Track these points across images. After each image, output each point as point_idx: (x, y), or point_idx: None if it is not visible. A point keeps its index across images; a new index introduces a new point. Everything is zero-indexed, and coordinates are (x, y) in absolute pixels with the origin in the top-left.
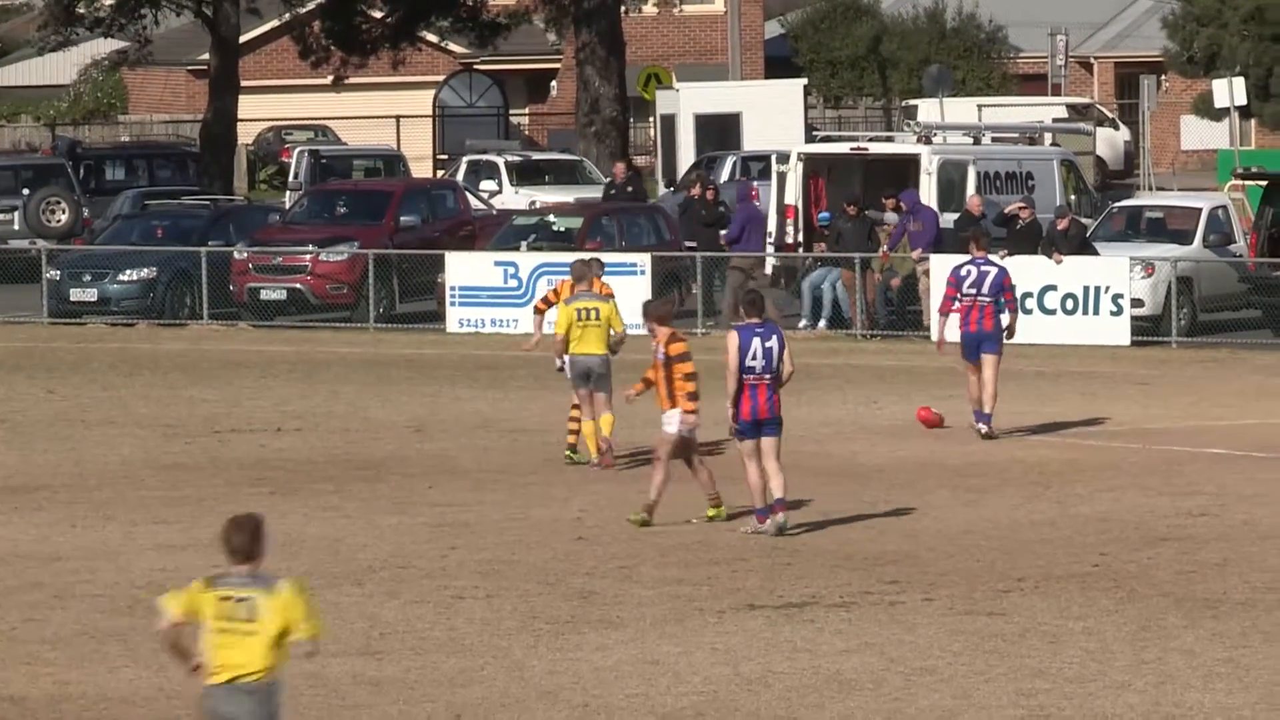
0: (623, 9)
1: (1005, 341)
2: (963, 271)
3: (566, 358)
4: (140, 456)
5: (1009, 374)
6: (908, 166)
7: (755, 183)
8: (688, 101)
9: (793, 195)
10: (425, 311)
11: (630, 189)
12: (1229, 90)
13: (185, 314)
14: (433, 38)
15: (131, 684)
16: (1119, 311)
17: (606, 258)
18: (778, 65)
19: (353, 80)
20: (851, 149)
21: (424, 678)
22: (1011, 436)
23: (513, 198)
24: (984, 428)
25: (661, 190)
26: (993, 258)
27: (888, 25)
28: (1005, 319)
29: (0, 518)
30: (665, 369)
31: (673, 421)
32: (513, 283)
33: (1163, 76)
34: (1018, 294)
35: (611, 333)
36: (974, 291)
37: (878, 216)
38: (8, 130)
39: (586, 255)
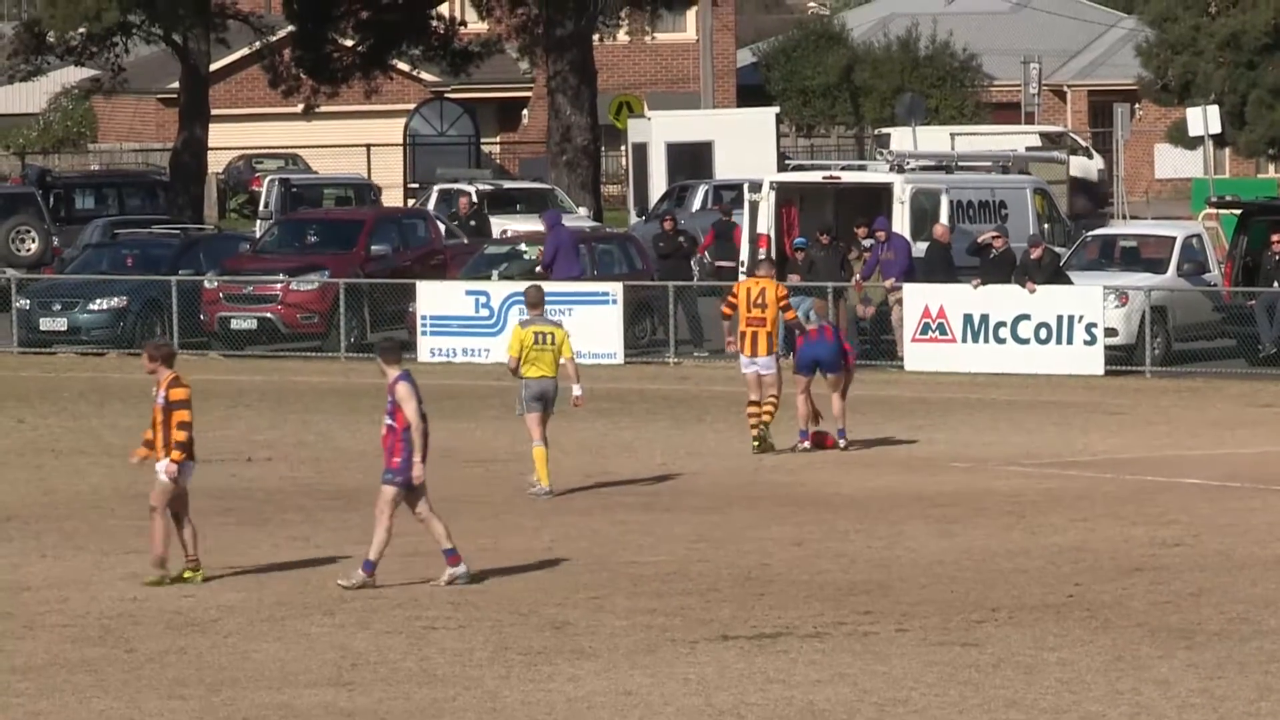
0: (595, 37)
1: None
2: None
3: (521, 382)
4: (110, 486)
5: (984, 403)
6: (880, 195)
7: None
8: (660, 130)
9: (765, 224)
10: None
11: (473, 223)
12: (1203, 118)
13: None
14: (404, 66)
15: (102, 714)
16: (1093, 341)
17: (578, 286)
18: (750, 93)
19: (323, 108)
20: (824, 178)
21: (396, 709)
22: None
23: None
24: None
25: (633, 219)
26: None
27: (860, 54)
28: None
29: None
30: (164, 414)
31: (169, 471)
32: (484, 312)
33: (1136, 104)
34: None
35: (562, 360)
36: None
37: (860, 245)
38: None
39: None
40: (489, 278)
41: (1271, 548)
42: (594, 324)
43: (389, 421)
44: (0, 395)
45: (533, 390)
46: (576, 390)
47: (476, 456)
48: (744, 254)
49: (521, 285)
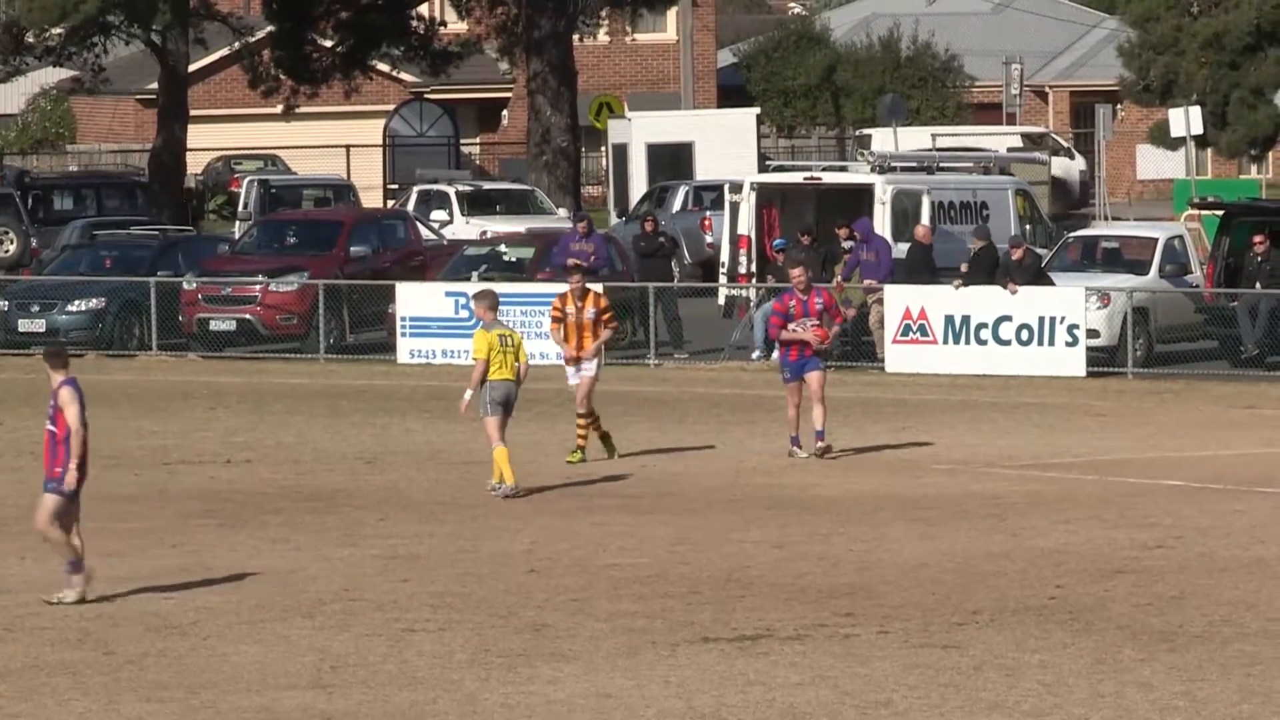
0: (575, 38)
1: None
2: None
3: (485, 385)
4: (89, 488)
5: (965, 405)
6: (861, 196)
7: (708, 213)
8: (640, 131)
9: (745, 225)
10: (376, 342)
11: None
12: (1185, 119)
13: (134, 345)
14: (384, 67)
15: (81, 717)
16: (1074, 342)
17: (560, 287)
18: (730, 94)
19: (303, 109)
20: (805, 178)
21: (375, 711)
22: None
23: (464, 228)
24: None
25: (613, 220)
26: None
27: (841, 54)
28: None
29: None
30: None
31: None
32: (464, 313)
33: (1118, 105)
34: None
35: (518, 364)
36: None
37: (841, 247)
38: None
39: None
40: (469, 279)
41: (1253, 550)
42: None
43: (50, 428)
44: None
45: (497, 393)
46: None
47: (457, 459)
48: (724, 255)
49: (510, 287)
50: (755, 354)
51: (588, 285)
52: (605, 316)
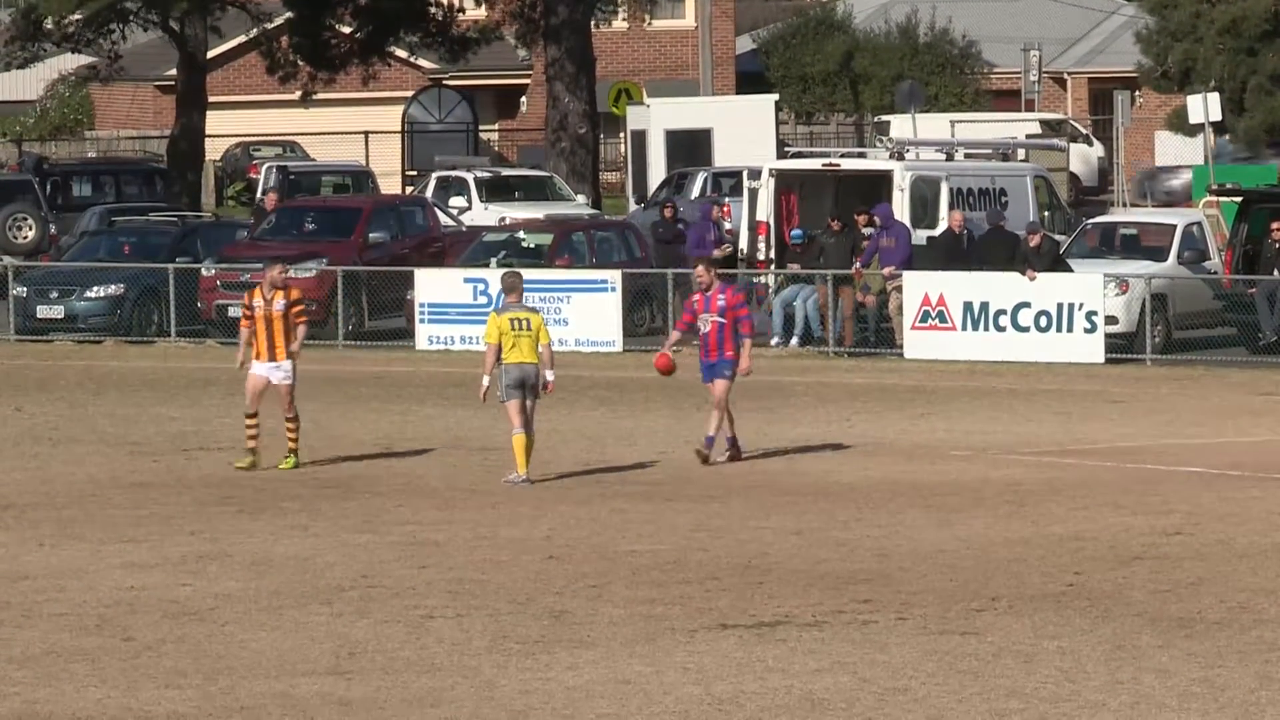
0: (593, 24)
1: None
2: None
3: (500, 368)
4: (107, 475)
5: (983, 391)
6: (880, 183)
7: (727, 199)
8: (658, 117)
9: (764, 211)
10: (394, 329)
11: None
12: (1204, 105)
13: (153, 331)
14: (402, 53)
15: (99, 703)
16: (1093, 329)
17: (578, 274)
18: (749, 80)
19: (321, 95)
20: (823, 165)
21: (394, 697)
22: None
23: (482, 214)
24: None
25: (632, 207)
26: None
27: (860, 41)
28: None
29: None
30: None
31: None
32: (482, 299)
33: (1137, 92)
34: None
35: (540, 346)
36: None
37: (858, 237)
38: None
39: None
40: (487, 265)
41: (1272, 536)
42: (593, 311)
43: None
44: None
45: (512, 376)
46: (548, 375)
47: (475, 445)
48: (743, 241)
49: (528, 274)
50: (774, 340)
51: (286, 279)
52: (295, 310)
